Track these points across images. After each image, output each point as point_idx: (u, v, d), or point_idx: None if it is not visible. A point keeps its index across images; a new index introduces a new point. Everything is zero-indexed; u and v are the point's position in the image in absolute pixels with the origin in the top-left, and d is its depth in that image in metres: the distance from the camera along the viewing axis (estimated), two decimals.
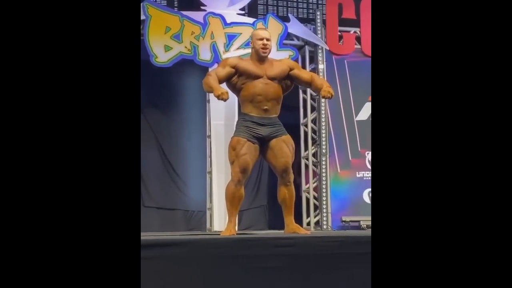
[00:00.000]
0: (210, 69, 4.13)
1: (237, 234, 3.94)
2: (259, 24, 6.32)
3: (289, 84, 4.06)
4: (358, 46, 6.89)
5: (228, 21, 6.32)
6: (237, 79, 3.92)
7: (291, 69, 4.01)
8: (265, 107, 3.87)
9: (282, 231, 4.16)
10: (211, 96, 6.29)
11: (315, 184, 6.64)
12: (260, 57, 3.92)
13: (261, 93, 3.85)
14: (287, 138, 3.98)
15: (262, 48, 3.89)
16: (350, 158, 6.72)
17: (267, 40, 3.92)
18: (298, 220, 6.09)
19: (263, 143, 3.91)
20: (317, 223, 6.58)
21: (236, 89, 3.97)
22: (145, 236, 4.15)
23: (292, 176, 4.00)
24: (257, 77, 3.87)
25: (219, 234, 3.96)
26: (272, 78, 3.90)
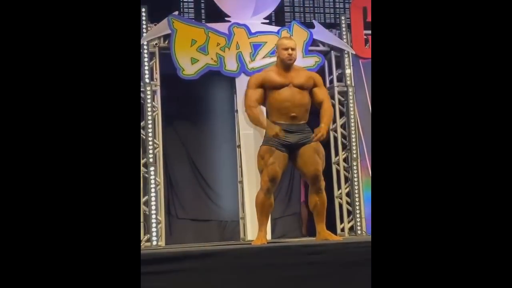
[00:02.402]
0: (247, 94, 4.08)
1: (268, 242, 3.94)
2: (284, 33, 6.33)
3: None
4: None
5: (253, 30, 6.35)
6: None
7: (315, 85, 4.02)
8: (293, 114, 3.87)
9: (315, 239, 4.15)
10: (239, 106, 6.34)
11: (347, 189, 6.60)
12: (285, 66, 3.94)
13: (288, 100, 3.86)
14: (317, 144, 3.97)
15: (287, 58, 3.91)
16: None
17: (292, 49, 3.94)
18: (332, 226, 6.06)
19: (292, 150, 3.91)
20: (351, 228, 6.52)
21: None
22: (177, 248, 4.20)
23: (323, 183, 3.98)
24: (283, 86, 3.89)
25: (251, 244, 3.97)
26: (298, 86, 3.91)
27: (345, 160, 6.66)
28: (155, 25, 6.15)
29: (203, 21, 6.66)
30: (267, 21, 6.61)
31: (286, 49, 3.94)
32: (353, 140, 6.56)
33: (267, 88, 3.93)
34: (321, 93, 4.04)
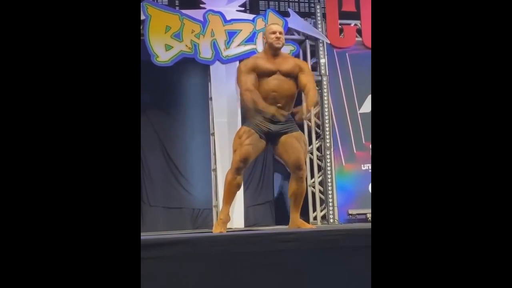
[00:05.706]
0: (241, 76, 3.96)
1: (240, 230, 3.95)
2: (259, 20, 6.33)
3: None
4: (359, 39, 6.86)
5: (228, 18, 6.32)
6: None
7: (300, 70, 3.98)
8: (279, 104, 3.87)
9: (288, 227, 4.16)
10: (213, 94, 6.31)
11: (320, 178, 6.64)
12: (273, 51, 3.92)
13: (276, 90, 3.85)
14: (299, 134, 3.97)
15: (276, 42, 3.90)
16: (355, 151, 6.71)
17: (280, 33, 3.94)
18: (305, 214, 6.09)
19: (273, 138, 3.90)
20: (323, 217, 6.57)
21: None
22: (149, 235, 4.18)
23: (305, 173, 3.97)
24: (271, 73, 3.88)
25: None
26: (285, 74, 3.90)
27: (318, 149, 6.70)
28: None
29: (177, 8, 6.60)
30: (242, 9, 6.58)
31: (274, 32, 3.93)
32: (327, 129, 6.59)
33: (257, 75, 3.90)
34: (305, 78, 4.00)
